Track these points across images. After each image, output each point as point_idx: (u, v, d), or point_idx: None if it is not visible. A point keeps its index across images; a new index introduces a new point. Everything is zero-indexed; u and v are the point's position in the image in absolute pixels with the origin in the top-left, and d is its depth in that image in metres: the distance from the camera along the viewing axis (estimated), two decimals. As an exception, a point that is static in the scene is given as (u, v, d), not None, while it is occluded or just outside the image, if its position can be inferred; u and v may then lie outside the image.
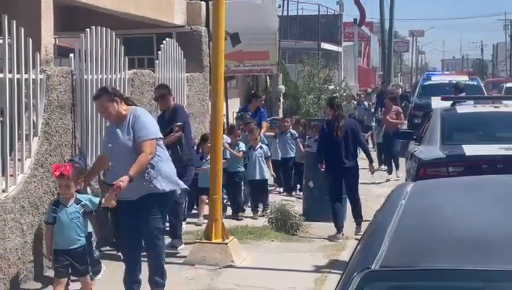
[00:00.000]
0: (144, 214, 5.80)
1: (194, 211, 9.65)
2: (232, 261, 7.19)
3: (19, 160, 6.56)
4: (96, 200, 5.86)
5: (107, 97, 5.85)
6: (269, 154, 10.48)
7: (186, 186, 6.17)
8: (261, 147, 10.25)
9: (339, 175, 8.93)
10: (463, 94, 13.46)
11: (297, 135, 11.87)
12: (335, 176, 8.96)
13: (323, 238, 8.74)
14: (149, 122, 5.87)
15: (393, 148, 14.03)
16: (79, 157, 6.79)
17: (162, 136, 6.01)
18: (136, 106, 6.14)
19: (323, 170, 9.08)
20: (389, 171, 14.15)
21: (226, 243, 7.34)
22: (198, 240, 7.63)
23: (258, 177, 10.04)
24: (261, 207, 10.02)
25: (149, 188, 5.73)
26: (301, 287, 6.45)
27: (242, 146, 9.91)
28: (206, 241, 7.38)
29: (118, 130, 5.84)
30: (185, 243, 7.96)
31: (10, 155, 6.40)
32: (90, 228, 6.10)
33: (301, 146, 11.77)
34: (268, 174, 10.55)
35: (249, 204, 10.12)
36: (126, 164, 5.61)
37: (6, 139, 6.32)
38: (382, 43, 38.79)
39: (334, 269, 6.88)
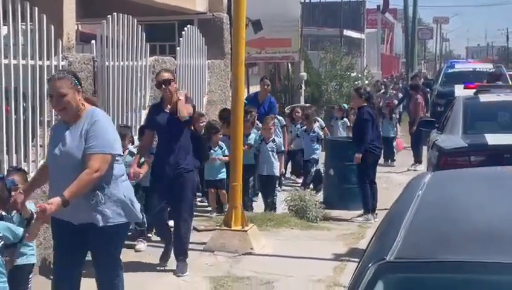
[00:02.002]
0: (95, 252, 4.61)
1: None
2: (251, 249, 7.21)
3: (41, 146, 6.62)
4: (20, 231, 4.33)
5: (71, 81, 4.43)
6: (282, 149, 9.69)
7: (140, 220, 4.91)
8: (273, 141, 9.44)
9: (376, 160, 9.33)
10: (499, 82, 13.25)
11: (284, 123, 11.36)
12: (375, 161, 9.26)
13: (343, 226, 8.74)
14: (108, 131, 4.46)
15: (414, 138, 13.85)
16: (8, 180, 4.72)
17: (121, 153, 4.63)
18: (95, 106, 4.70)
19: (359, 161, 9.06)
20: (415, 160, 13.92)
21: (246, 231, 7.36)
22: (217, 227, 7.65)
23: (265, 172, 9.35)
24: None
25: (92, 217, 4.40)
26: (320, 275, 6.45)
27: (251, 138, 9.21)
28: (225, 228, 7.41)
29: (67, 132, 4.45)
30: (205, 230, 8.00)
31: (32, 141, 6.47)
32: (33, 259, 4.94)
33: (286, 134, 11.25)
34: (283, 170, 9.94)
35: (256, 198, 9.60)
36: (68, 181, 4.27)
37: (28, 125, 6.38)
38: (406, 30, 38.47)
39: (353, 258, 6.86)
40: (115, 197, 4.44)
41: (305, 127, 11.33)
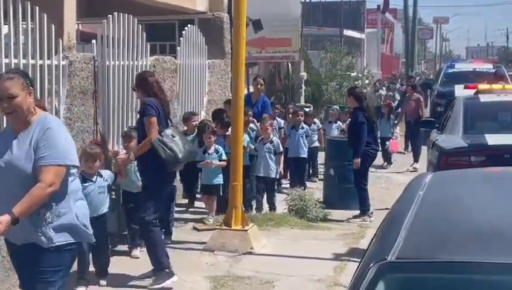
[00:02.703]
0: (31, 272, 3.93)
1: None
2: (251, 248, 7.21)
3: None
4: None
5: (21, 81, 3.90)
6: (281, 150, 9.32)
7: (93, 241, 4.23)
8: (271, 142, 9.12)
9: (372, 161, 9.33)
10: (502, 82, 13.27)
11: (282, 125, 11.19)
12: (370, 163, 9.24)
13: (344, 226, 8.74)
14: (62, 140, 3.91)
15: (415, 138, 13.87)
16: None
17: (77, 164, 4.03)
18: (44, 110, 4.15)
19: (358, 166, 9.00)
20: (414, 160, 13.93)
21: (246, 230, 7.36)
22: (218, 227, 7.65)
23: (261, 174, 9.08)
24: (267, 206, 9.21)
25: (35, 237, 3.86)
26: (320, 275, 6.45)
27: (244, 140, 8.29)
28: (225, 227, 7.40)
29: (15, 142, 3.90)
30: (205, 230, 8.00)
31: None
32: None
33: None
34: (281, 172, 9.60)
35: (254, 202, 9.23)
36: (17, 196, 3.76)
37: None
38: (406, 30, 38.56)
39: (353, 257, 6.87)
40: (63, 216, 3.89)
41: (293, 123, 11.00)
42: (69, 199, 3.92)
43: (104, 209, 6.07)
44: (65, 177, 3.87)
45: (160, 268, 6.06)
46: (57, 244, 3.86)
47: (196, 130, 8.89)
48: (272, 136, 9.27)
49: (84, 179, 5.76)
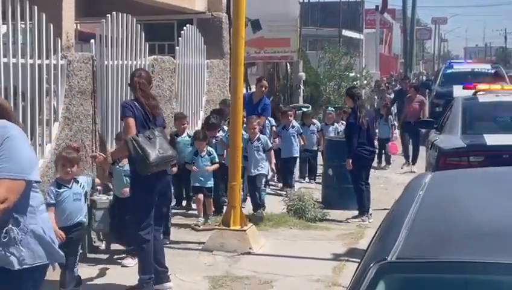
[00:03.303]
0: None
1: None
2: (250, 248, 7.21)
3: (40, 145, 6.63)
4: None
5: None
6: (269, 146, 9.21)
7: (63, 260, 3.84)
8: (258, 139, 9.06)
9: (368, 163, 9.26)
10: (504, 83, 13.27)
11: (274, 123, 11.10)
12: (366, 164, 9.18)
13: (342, 226, 8.74)
14: (21, 152, 3.42)
15: (415, 138, 13.81)
16: None
17: (38, 179, 3.55)
18: (10, 119, 3.52)
19: (351, 167, 9.01)
20: (412, 162, 13.90)
21: (245, 230, 7.36)
22: (216, 227, 7.64)
23: (253, 173, 8.96)
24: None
25: (3, 259, 3.42)
26: (319, 275, 6.45)
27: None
28: (224, 228, 7.40)
29: None
30: (204, 230, 7.99)
31: (31, 140, 6.46)
32: None
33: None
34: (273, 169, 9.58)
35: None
36: None
37: (27, 124, 6.37)
38: (404, 30, 38.58)
39: (352, 257, 6.88)
40: (32, 232, 3.49)
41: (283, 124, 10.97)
42: (35, 214, 3.52)
43: (80, 217, 5.61)
44: (27, 191, 3.45)
45: (142, 281, 5.85)
46: (27, 266, 3.46)
47: (187, 132, 8.85)
48: (258, 134, 9.14)
49: (59, 185, 5.48)
